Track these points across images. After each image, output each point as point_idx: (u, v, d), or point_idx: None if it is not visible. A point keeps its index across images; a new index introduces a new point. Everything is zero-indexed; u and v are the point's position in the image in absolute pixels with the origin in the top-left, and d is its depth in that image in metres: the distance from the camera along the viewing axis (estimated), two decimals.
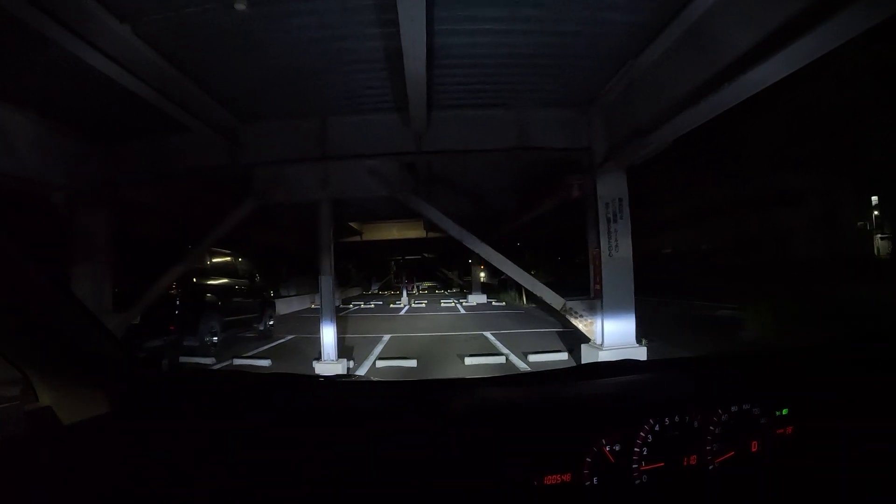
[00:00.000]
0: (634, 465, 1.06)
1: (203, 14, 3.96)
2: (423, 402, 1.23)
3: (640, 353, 5.85)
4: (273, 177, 6.38)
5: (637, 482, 1.06)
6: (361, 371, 6.69)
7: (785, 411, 1.16)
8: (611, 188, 6.05)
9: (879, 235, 17.53)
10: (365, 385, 1.56)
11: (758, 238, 21.12)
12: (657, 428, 1.09)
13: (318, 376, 1.37)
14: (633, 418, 1.10)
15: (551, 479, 1.01)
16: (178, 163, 6.75)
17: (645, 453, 1.07)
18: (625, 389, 1.30)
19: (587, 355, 6.13)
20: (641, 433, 1.08)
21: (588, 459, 1.04)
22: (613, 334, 5.93)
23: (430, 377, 6.00)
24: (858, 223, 18.16)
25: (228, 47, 4.60)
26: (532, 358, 6.98)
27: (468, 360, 6.82)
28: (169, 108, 5.12)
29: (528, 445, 1.04)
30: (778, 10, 3.18)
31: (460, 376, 5.93)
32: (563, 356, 7.01)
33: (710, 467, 1.10)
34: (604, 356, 5.75)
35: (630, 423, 1.09)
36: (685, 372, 1.51)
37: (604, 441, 1.06)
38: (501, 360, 7.08)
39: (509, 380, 1.55)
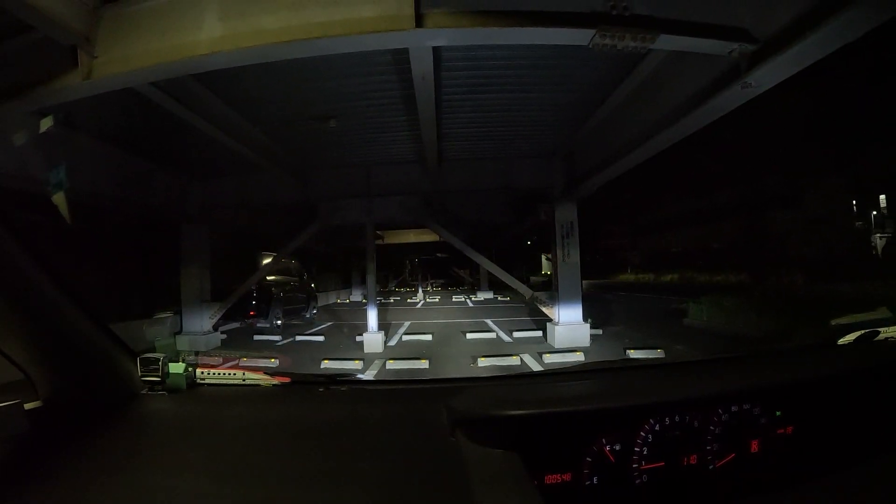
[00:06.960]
0: (634, 465, 1.06)
1: (306, 125, 6.59)
2: (424, 401, 1.25)
3: (585, 328, 8.45)
4: (333, 208, 9.12)
5: (637, 482, 1.06)
6: (392, 342, 9.25)
7: (784, 412, 1.15)
8: (565, 214, 8.66)
9: (878, 234, 17.78)
10: (364, 385, 1.59)
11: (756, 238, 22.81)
12: (657, 428, 1.08)
13: (320, 375, 1.48)
14: (633, 418, 1.09)
15: (552, 479, 1.01)
16: (259, 196, 9.27)
17: (645, 453, 1.07)
18: (625, 389, 1.29)
19: (550, 330, 8.74)
20: (641, 433, 1.07)
21: (588, 459, 1.04)
22: (566, 315, 8.55)
23: (441, 349, 8.57)
24: (857, 223, 18.61)
25: (314, 140, 7.28)
26: (516, 334, 9.59)
27: (469, 336, 9.56)
28: (254, 157, 6.99)
29: (528, 445, 1.01)
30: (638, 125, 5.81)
31: (463, 353, 8.02)
32: (537, 333, 9.45)
33: (711, 467, 1.09)
34: (559, 329, 8.39)
35: (630, 422, 1.08)
36: (685, 372, 1.56)
37: (604, 440, 1.05)
38: (492, 335, 9.75)
39: (510, 379, 1.54)
